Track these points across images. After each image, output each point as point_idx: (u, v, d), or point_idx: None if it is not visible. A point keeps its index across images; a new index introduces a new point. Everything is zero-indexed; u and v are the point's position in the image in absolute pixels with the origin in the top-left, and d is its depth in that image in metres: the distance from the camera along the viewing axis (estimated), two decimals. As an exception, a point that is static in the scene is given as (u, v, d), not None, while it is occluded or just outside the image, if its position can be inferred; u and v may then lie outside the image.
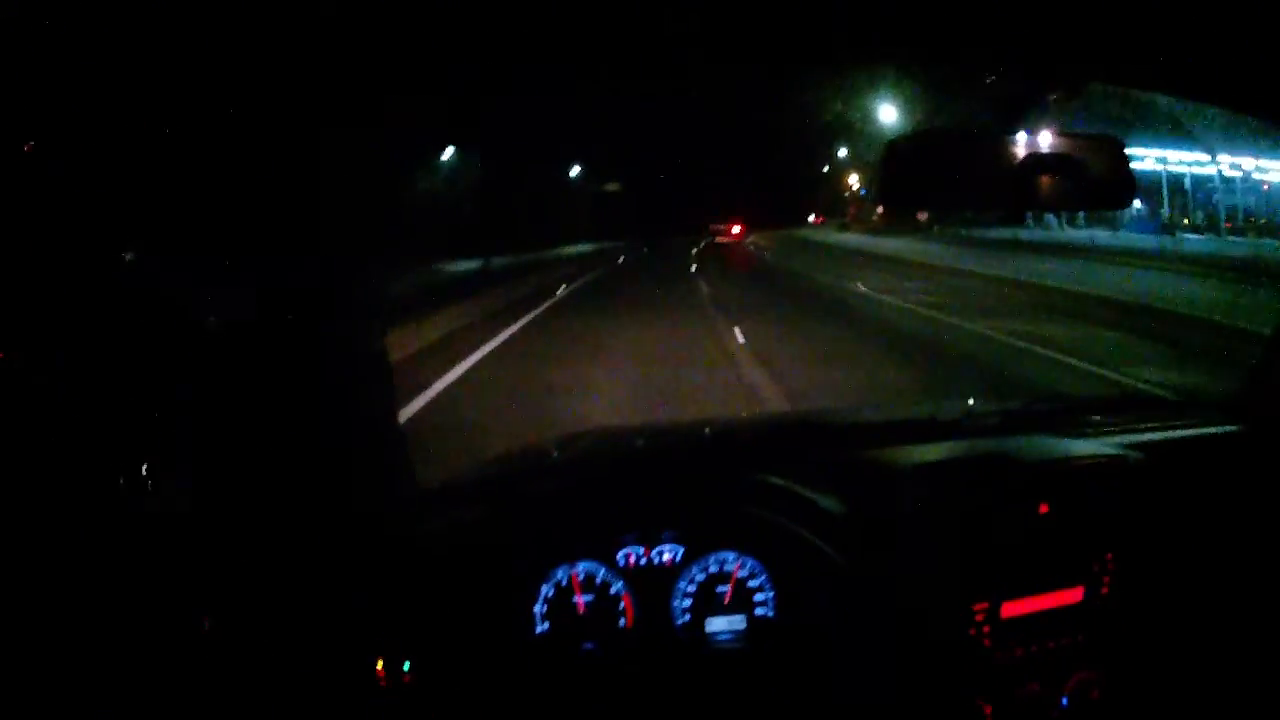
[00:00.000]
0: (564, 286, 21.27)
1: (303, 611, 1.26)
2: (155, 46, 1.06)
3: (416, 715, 1.26)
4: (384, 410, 1.42)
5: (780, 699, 1.31)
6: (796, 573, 1.36)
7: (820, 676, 1.32)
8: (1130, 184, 1.46)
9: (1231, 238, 24.88)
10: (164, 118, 1.11)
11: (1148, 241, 23.39)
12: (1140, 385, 7.70)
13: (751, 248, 46.03)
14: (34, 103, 1.03)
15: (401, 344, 9.21)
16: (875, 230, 43.37)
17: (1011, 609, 1.35)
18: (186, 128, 1.13)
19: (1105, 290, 14.96)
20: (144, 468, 1.19)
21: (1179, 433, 1.70)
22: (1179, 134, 24.74)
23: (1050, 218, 28.58)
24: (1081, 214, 25.76)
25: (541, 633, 1.35)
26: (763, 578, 1.38)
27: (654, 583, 1.37)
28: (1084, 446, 1.55)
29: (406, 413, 6.50)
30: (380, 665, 1.24)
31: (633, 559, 1.37)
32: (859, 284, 18.98)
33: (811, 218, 75.93)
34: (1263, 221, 27.65)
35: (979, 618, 1.33)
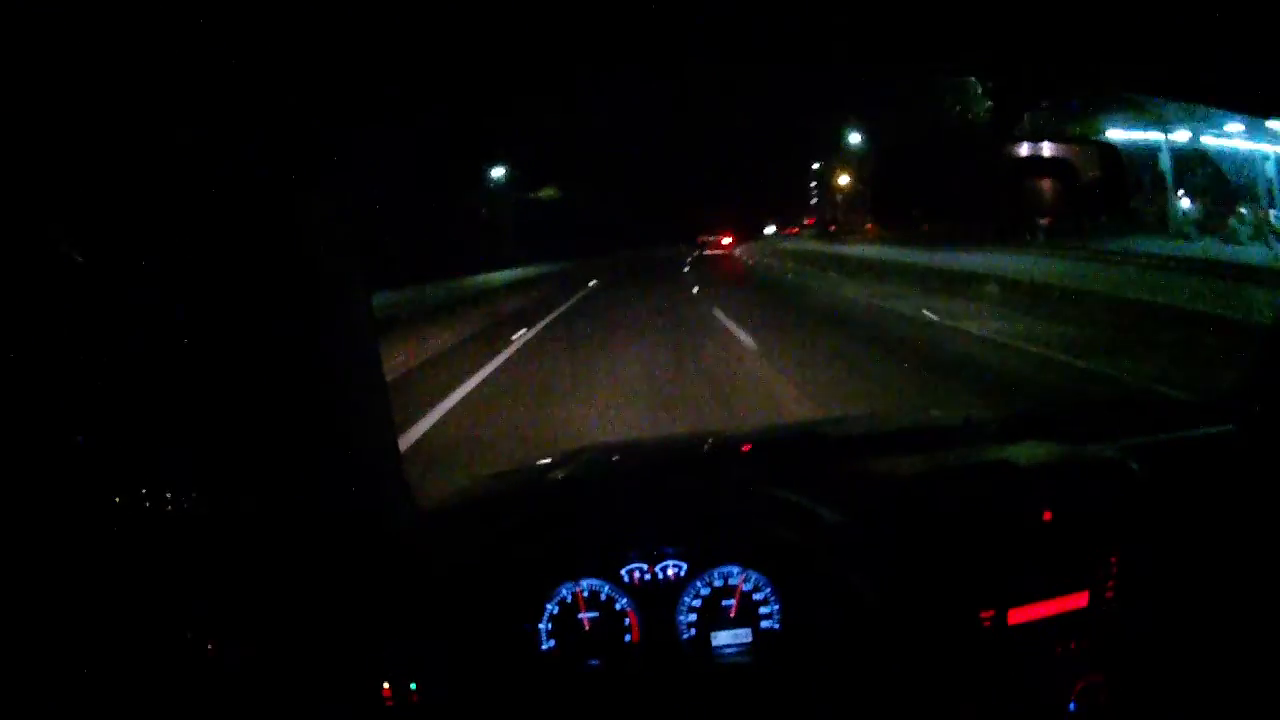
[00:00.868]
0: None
1: (309, 632, 1.26)
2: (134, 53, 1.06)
3: None
4: (380, 428, 1.42)
5: (786, 712, 1.31)
6: (801, 585, 1.36)
7: (827, 688, 1.31)
8: (1124, 187, 1.47)
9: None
10: (141, 126, 1.11)
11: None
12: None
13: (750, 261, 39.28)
14: (34, 102, 1.04)
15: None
16: (884, 239, 33.21)
17: (1018, 615, 1.34)
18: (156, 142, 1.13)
19: None
20: (153, 486, 1.19)
21: (1181, 435, 1.69)
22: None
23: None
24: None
25: (547, 650, 1.35)
26: (767, 591, 1.38)
27: (659, 598, 1.37)
28: (1086, 451, 1.55)
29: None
30: (387, 686, 1.24)
31: (637, 575, 1.37)
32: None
33: (771, 228, 70.53)
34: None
35: (986, 624, 1.33)
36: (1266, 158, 19.43)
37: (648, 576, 1.37)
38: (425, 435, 6.62)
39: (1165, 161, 20.88)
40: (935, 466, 1.52)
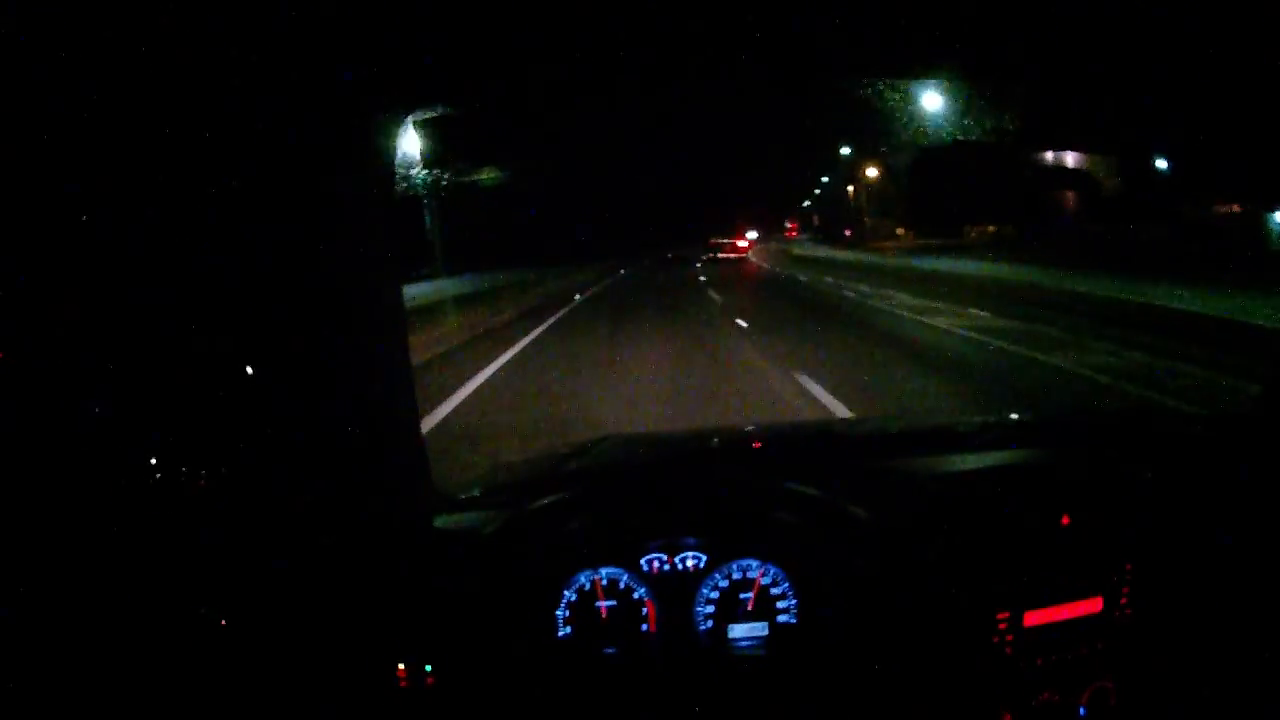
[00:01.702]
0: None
1: (324, 614, 1.27)
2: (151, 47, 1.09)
3: (437, 718, 1.28)
4: (404, 413, 1.44)
5: (801, 706, 1.32)
6: (819, 580, 1.37)
7: (842, 684, 1.32)
8: (1149, 195, 1.48)
9: None
10: (163, 117, 1.13)
11: None
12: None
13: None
14: (37, 100, 1.06)
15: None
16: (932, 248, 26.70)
17: (1033, 618, 1.35)
18: (181, 134, 1.15)
19: None
20: (175, 464, 1.21)
21: (1198, 445, 1.70)
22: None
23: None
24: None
25: (563, 637, 1.36)
26: (785, 585, 1.39)
27: (677, 589, 1.38)
28: (1105, 458, 1.56)
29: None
30: (402, 668, 1.26)
31: (656, 565, 1.38)
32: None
33: (752, 234, 61.67)
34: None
35: (1001, 626, 1.34)
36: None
37: (667, 567, 1.38)
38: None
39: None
40: (955, 468, 1.53)
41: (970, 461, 1.57)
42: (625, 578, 1.38)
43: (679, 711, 1.32)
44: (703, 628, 1.38)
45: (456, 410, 7.46)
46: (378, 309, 1.38)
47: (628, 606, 1.38)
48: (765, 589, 1.39)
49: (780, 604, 1.39)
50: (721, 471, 1.66)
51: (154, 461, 1.21)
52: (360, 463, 1.34)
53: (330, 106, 1.23)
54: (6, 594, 1.09)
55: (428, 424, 7.09)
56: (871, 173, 40.55)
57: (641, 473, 1.76)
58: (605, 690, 1.34)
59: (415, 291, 18.95)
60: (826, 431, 1.80)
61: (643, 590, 1.38)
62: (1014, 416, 1.72)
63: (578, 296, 22.42)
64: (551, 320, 16.22)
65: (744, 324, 13.61)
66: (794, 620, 1.39)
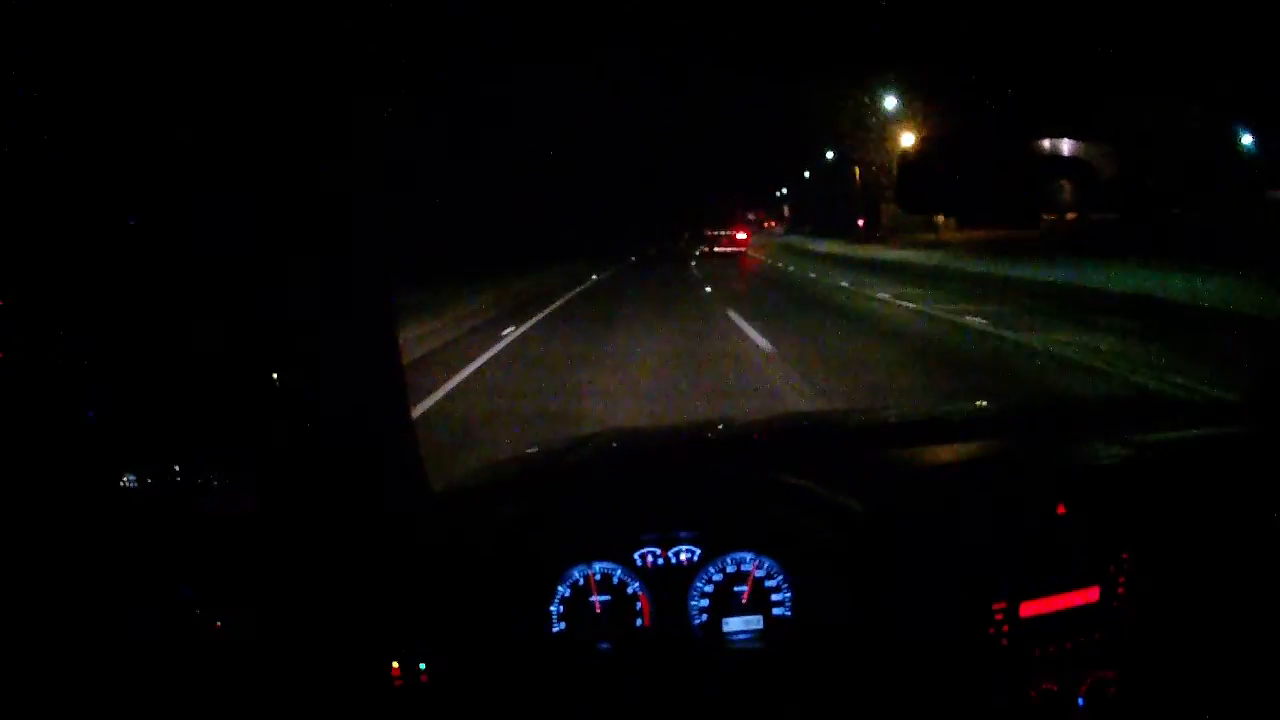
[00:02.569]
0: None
1: (318, 612, 1.26)
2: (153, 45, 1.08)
3: (432, 715, 1.27)
4: (396, 409, 1.43)
5: (797, 698, 1.32)
6: (814, 572, 1.37)
7: (837, 677, 1.32)
8: (1144, 186, 1.47)
9: None
10: (167, 113, 1.12)
11: None
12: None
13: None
14: (40, 98, 1.05)
15: None
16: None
17: (1030, 609, 1.35)
18: (187, 130, 1.14)
19: None
20: (166, 464, 1.21)
21: (1195, 433, 1.69)
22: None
23: None
24: None
25: (558, 632, 1.36)
26: (780, 577, 1.38)
27: (671, 583, 1.37)
28: (1101, 447, 1.55)
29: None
30: (396, 665, 1.26)
31: (650, 559, 1.38)
32: None
33: (745, 233, 52.79)
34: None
35: (998, 617, 1.34)
36: None
37: (661, 560, 1.38)
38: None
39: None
40: (950, 458, 1.53)
41: (965, 451, 1.57)
42: (619, 572, 1.37)
43: (675, 705, 1.32)
44: (697, 621, 1.37)
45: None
46: (367, 306, 1.37)
47: (622, 601, 1.37)
48: (760, 582, 1.39)
49: (775, 596, 1.39)
50: (715, 464, 1.65)
51: (146, 461, 1.21)
52: (353, 461, 1.33)
53: (316, 99, 1.22)
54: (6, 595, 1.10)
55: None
56: (907, 140, 26.63)
57: (634, 466, 1.76)
58: (600, 685, 1.34)
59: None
60: (820, 423, 1.80)
61: (637, 584, 1.37)
62: (1010, 405, 1.71)
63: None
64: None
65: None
66: (789, 613, 1.38)
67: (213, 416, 1.24)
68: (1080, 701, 1.33)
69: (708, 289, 20.17)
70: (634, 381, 8.03)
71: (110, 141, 1.11)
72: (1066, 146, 1.42)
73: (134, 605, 1.18)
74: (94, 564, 1.17)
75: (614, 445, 2.03)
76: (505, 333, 12.42)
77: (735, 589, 1.38)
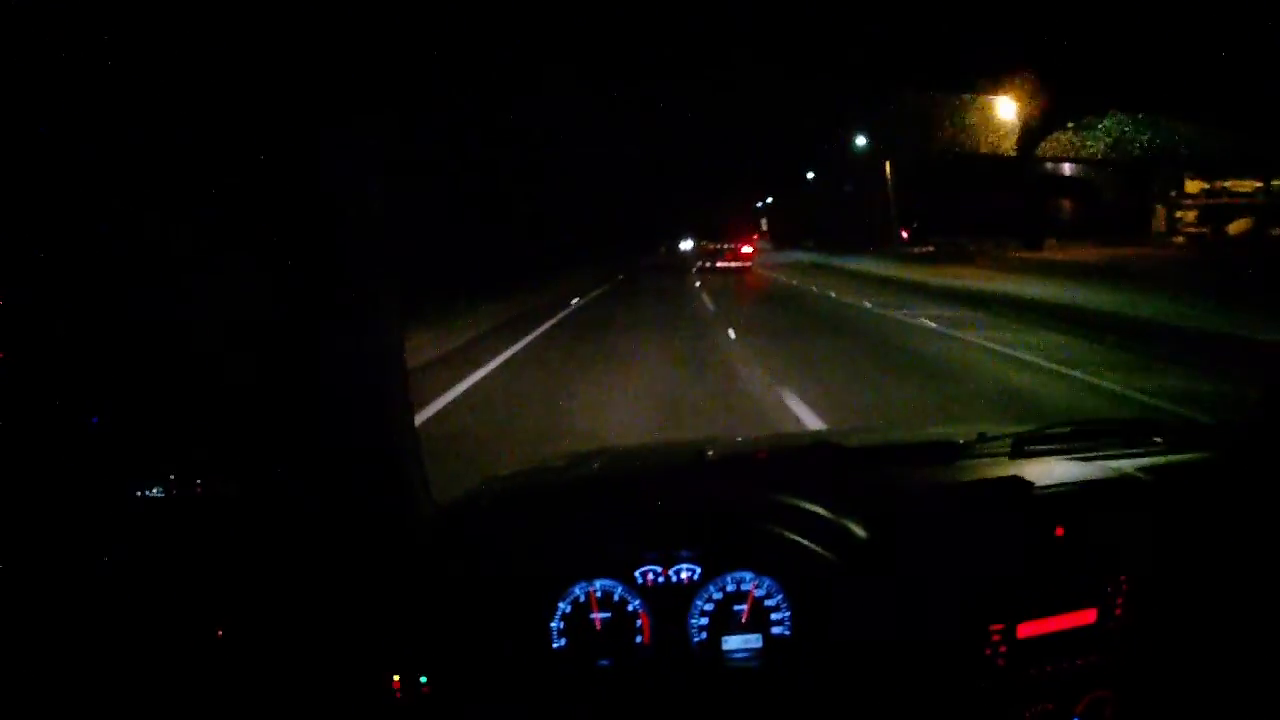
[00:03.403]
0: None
1: (320, 625, 1.27)
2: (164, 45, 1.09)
3: None
4: (401, 422, 1.44)
5: (795, 717, 1.32)
6: (813, 592, 1.37)
7: (836, 696, 1.32)
8: (1146, 208, 1.48)
9: None
10: (176, 113, 1.13)
11: None
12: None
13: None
14: (43, 97, 1.06)
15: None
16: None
17: (1027, 630, 1.35)
18: (199, 126, 1.15)
19: None
20: (173, 473, 1.21)
21: (1192, 456, 1.70)
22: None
23: None
24: None
25: (558, 649, 1.36)
26: (779, 597, 1.39)
27: (671, 601, 1.38)
28: (1099, 470, 1.56)
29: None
30: (396, 679, 1.26)
31: (650, 577, 1.38)
32: None
33: (688, 243, 49.61)
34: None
35: (995, 638, 1.34)
36: None
37: (661, 579, 1.38)
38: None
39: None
40: (949, 480, 1.53)
41: (964, 473, 1.57)
42: (620, 589, 1.38)
43: None
44: (697, 640, 1.38)
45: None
46: (374, 312, 1.37)
47: (622, 618, 1.37)
48: (759, 601, 1.39)
49: (774, 616, 1.39)
50: (716, 484, 1.65)
51: (151, 469, 1.21)
52: (357, 474, 1.34)
53: (323, 104, 1.23)
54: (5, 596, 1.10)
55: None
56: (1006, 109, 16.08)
57: (636, 485, 1.76)
58: (600, 702, 1.34)
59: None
60: (820, 444, 1.79)
61: (637, 602, 1.38)
62: (1007, 428, 1.71)
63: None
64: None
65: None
66: (788, 632, 1.38)
67: (217, 428, 1.24)
68: None
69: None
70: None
71: (110, 142, 1.12)
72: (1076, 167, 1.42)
73: (136, 610, 1.18)
74: (95, 566, 1.17)
75: (612, 463, 2.03)
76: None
77: (735, 608, 1.39)
